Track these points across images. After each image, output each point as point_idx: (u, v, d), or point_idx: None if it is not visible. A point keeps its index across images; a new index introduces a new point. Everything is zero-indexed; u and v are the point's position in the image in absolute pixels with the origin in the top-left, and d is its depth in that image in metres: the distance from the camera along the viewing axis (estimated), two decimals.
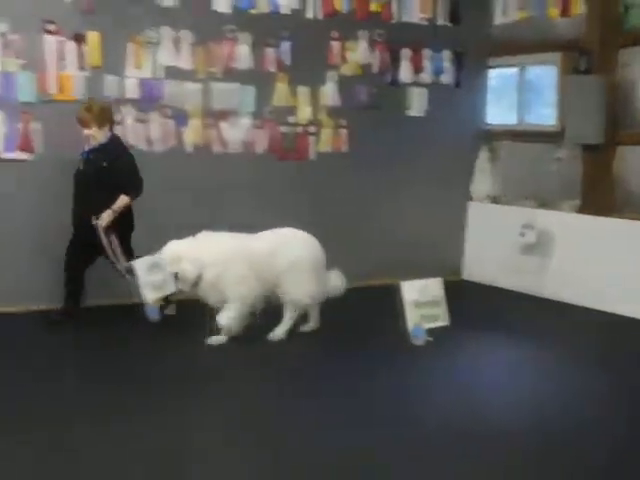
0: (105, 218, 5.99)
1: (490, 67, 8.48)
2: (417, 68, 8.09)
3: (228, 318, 5.77)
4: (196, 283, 5.77)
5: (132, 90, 6.96)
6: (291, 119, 7.61)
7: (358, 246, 7.82)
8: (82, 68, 6.78)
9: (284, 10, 7.44)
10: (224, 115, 7.34)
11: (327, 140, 7.79)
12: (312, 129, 7.71)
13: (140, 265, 5.80)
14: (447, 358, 5.72)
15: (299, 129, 7.66)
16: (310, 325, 6.18)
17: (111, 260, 6.12)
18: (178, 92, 7.12)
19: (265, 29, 7.36)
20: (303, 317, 6.16)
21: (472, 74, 8.36)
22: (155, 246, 5.89)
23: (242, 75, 7.36)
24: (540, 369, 5.58)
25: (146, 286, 5.78)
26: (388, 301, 6.07)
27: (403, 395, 4.93)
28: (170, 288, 5.79)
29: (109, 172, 6.00)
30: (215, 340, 5.77)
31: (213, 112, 7.29)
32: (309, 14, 7.54)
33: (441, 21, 8.15)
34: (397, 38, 7.91)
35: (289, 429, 4.31)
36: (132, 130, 6.98)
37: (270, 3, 7.39)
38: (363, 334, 6.24)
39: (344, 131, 7.84)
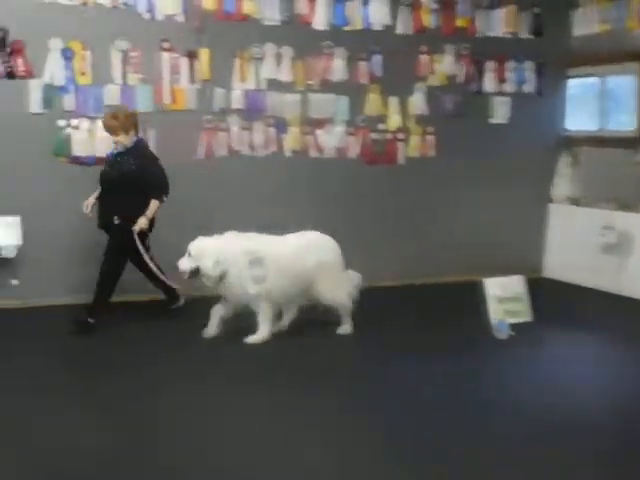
0: (140, 224, 6.10)
1: (570, 77, 8.78)
2: (501, 78, 8.49)
3: (263, 320, 5.93)
4: (220, 280, 5.86)
5: (238, 101, 7.56)
6: (381, 126, 8.11)
7: (443, 244, 8.28)
8: (193, 81, 7.42)
9: (376, 27, 7.96)
10: (320, 123, 7.90)
11: (415, 146, 8.27)
12: (401, 136, 8.20)
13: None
14: (529, 351, 5.88)
15: (389, 136, 8.16)
16: (346, 328, 6.27)
17: (146, 263, 6.24)
18: (279, 102, 7.70)
19: (358, 44, 7.88)
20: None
21: (553, 83, 8.68)
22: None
23: (337, 86, 7.90)
24: (618, 366, 5.64)
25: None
26: (472, 297, 6.28)
27: (487, 383, 5.16)
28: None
29: (136, 174, 6.12)
30: (251, 339, 5.91)
31: (310, 120, 7.85)
32: (399, 30, 8.04)
33: (524, 34, 8.53)
34: (482, 51, 8.33)
35: (389, 421, 4.48)
36: (237, 137, 7.61)
37: (363, 20, 7.92)
38: (448, 328, 6.45)
39: (431, 137, 8.30)
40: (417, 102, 8.20)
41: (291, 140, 7.82)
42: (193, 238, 6.01)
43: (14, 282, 6.88)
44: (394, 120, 8.15)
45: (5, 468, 3.75)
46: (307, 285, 6.06)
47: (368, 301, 6.29)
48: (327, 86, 7.88)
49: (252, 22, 7.57)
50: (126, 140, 6.21)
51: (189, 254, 5.85)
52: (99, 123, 7.02)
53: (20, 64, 6.83)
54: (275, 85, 7.71)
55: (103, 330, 6.11)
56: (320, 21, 7.79)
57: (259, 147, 7.71)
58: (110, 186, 6.20)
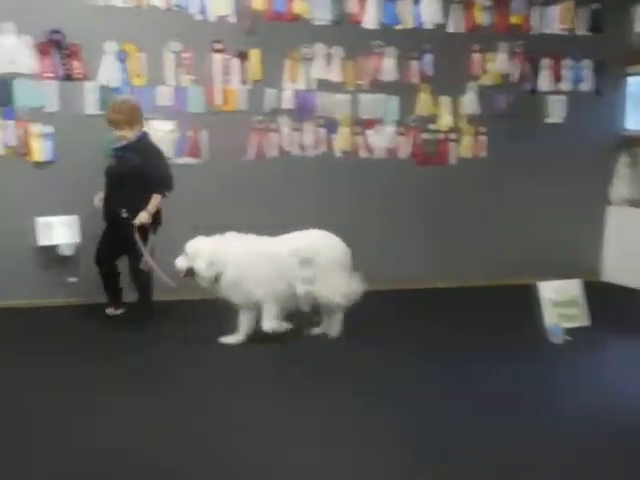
0: (142, 219, 6.07)
1: (630, 75, 8.54)
2: (557, 77, 8.32)
3: (269, 321, 5.82)
4: (215, 281, 5.77)
5: (288, 101, 7.61)
6: (432, 126, 8.05)
7: (496, 246, 8.18)
8: (244, 82, 7.49)
9: (427, 25, 7.90)
10: (370, 123, 7.88)
11: (467, 146, 8.18)
12: (453, 136, 8.12)
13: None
14: (585, 356, 5.76)
15: (440, 136, 8.09)
16: (318, 329, 6.15)
17: (144, 259, 6.17)
18: (329, 103, 7.71)
19: (409, 43, 7.83)
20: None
21: (612, 82, 8.46)
22: None
23: (387, 86, 7.87)
24: None
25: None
26: (527, 300, 6.18)
27: (542, 388, 5.06)
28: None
29: (141, 169, 6.08)
30: (227, 340, 5.81)
31: (360, 120, 7.84)
32: (451, 28, 7.97)
33: (581, 31, 8.34)
34: (537, 48, 8.18)
35: (450, 424, 4.44)
36: (288, 137, 7.65)
37: (414, 19, 7.88)
38: (502, 331, 6.35)
39: (483, 138, 8.20)
40: (469, 102, 8.10)
41: (341, 140, 7.82)
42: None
43: (72, 280, 7.05)
44: (445, 120, 8.07)
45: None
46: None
47: (418, 302, 6.24)
48: (377, 86, 7.85)
49: (302, 22, 7.60)
50: (130, 134, 6.16)
51: (185, 253, 5.80)
52: (153, 124, 7.21)
53: (76, 66, 7.00)
54: (325, 85, 7.72)
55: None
56: (370, 20, 7.77)
57: (309, 147, 7.74)
58: (115, 180, 6.18)
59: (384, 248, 7.86)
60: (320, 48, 7.66)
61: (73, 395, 4.74)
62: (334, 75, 7.73)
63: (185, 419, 4.40)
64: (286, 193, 7.66)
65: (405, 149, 8.02)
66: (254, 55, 7.48)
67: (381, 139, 7.94)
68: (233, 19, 7.40)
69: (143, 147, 6.17)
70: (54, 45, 6.91)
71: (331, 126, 7.78)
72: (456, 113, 8.09)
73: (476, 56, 8.08)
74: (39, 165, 6.92)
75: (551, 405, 4.74)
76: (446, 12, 7.94)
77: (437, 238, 8.11)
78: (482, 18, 8.05)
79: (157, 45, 7.20)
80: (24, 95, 6.85)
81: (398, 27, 7.86)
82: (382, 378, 5.17)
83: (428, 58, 7.94)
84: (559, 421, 4.48)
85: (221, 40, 7.37)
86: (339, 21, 7.67)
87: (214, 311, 5.94)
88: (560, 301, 6.16)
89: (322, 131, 7.75)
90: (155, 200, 6.12)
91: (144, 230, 6.13)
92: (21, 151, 6.88)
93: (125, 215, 6.08)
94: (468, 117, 8.14)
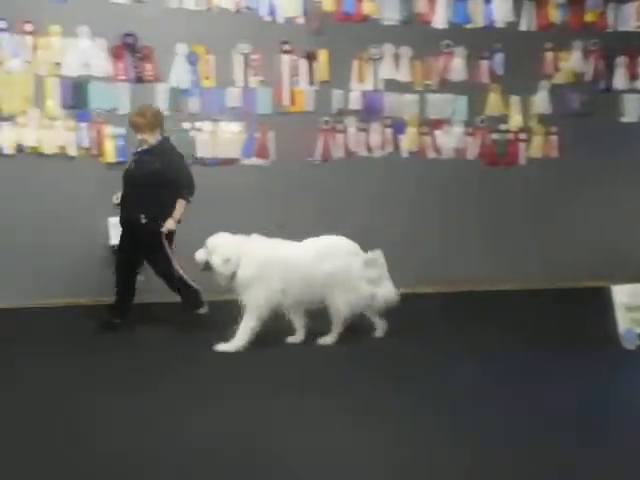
0: (169, 226, 5.96)
1: None
2: (633, 75, 8.08)
3: (245, 328, 5.64)
4: (231, 280, 5.70)
5: (355, 102, 7.61)
6: (502, 127, 7.94)
7: (567, 249, 8.02)
8: (312, 83, 7.53)
9: (499, 24, 7.79)
10: (438, 123, 7.82)
11: (538, 146, 8.03)
12: (523, 136, 7.99)
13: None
14: None
15: (510, 136, 7.97)
16: (378, 332, 6.03)
17: (173, 267, 6.04)
18: (396, 103, 7.68)
19: (479, 42, 7.74)
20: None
21: None
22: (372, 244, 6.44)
23: (456, 86, 7.80)
24: None
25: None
26: (599, 304, 6.02)
27: (613, 391, 4.94)
28: (385, 284, 6.24)
29: (161, 173, 5.93)
30: (222, 347, 5.60)
31: (428, 121, 7.79)
32: (523, 27, 7.82)
33: None
34: (612, 46, 7.96)
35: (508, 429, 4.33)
36: (354, 138, 7.66)
37: (485, 17, 7.77)
38: (573, 335, 6.21)
39: (554, 137, 8.03)
40: (540, 101, 7.95)
41: (408, 141, 7.78)
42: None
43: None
44: (516, 120, 7.94)
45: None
46: (321, 291, 5.80)
47: (487, 305, 6.15)
48: (446, 86, 7.79)
49: (371, 22, 7.59)
50: (151, 138, 6.06)
51: (205, 247, 5.75)
52: (222, 125, 7.32)
53: (148, 69, 7.16)
54: (393, 85, 7.69)
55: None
56: (440, 20, 7.69)
57: (375, 148, 7.72)
58: (134, 185, 6.03)
59: (449, 249, 7.82)
60: (388, 48, 7.64)
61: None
62: (402, 75, 7.70)
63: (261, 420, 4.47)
64: (350, 193, 7.68)
65: (473, 150, 7.93)
66: (322, 56, 7.50)
67: (449, 139, 7.87)
68: (302, 20, 7.42)
69: (164, 151, 6.07)
70: (127, 48, 7.07)
71: (398, 126, 7.75)
72: (526, 113, 7.96)
73: (549, 54, 7.92)
74: (111, 166, 7.10)
75: (622, 412, 4.60)
76: (518, 10, 7.81)
77: (504, 240, 7.99)
78: (556, 16, 7.89)
79: (226, 47, 7.29)
80: (98, 97, 7.04)
81: (468, 26, 7.76)
82: (434, 378, 5.11)
83: (499, 57, 7.82)
84: (630, 428, 4.35)
85: (289, 41, 7.42)
86: (408, 21, 7.63)
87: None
88: (634, 305, 5.97)
89: (389, 131, 7.73)
90: (181, 206, 6.01)
91: (169, 236, 6.06)
92: (94, 152, 7.07)
93: (144, 221, 5.96)
94: (539, 117, 7.99)
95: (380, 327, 6.06)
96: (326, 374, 5.25)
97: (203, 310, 6.21)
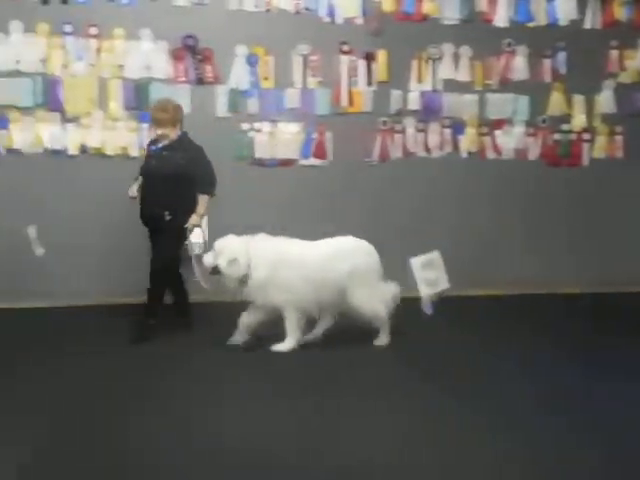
0: (193, 222, 5.91)
1: None
2: None
3: (290, 329, 5.66)
4: (239, 282, 5.62)
5: (414, 102, 7.57)
6: (565, 127, 7.78)
7: (631, 253, 7.84)
8: (370, 84, 7.51)
9: (562, 22, 7.63)
10: (498, 124, 7.72)
11: (602, 147, 7.85)
12: (586, 136, 7.82)
13: (415, 262, 6.29)
14: None
15: (573, 136, 7.81)
16: (382, 339, 5.91)
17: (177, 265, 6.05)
18: (456, 103, 7.61)
19: (542, 40, 7.60)
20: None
21: None
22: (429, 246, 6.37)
23: (517, 85, 7.68)
24: None
25: (421, 282, 6.27)
26: None
27: None
28: (443, 285, 6.21)
29: (184, 169, 5.87)
30: (278, 347, 5.65)
31: (488, 121, 7.70)
32: (587, 25, 7.65)
33: None
34: None
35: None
36: (413, 138, 7.61)
37: (548, 15, 7.62)
38: (632, 340, 6.07)
39: (619, 137, 7.84)
40: (605, 100, 7.78)
41: (467, 141, 7.69)
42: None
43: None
44: (579, 120, 7.78)
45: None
46: (339, 293, 5.73)
47: (544, 309, 6.05)
48: (506, 85, 7.68)
49: (431, 22, 7.53)
50: (172, 134, 6.00)
51: (213, 250, 5.71)
52: (280, 126, 7.35)
53: (208, 70, 7.24)
54: (452, 85, 7.62)
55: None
56: (502, 18, 7.58)
57: (434, 148, 7.66)
58: (156, 181, 5.90)
59: (506, 251, 7.72)
60: (448, 48, 7.56)
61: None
62: (462, 75, 7.62)
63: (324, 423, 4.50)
64: (408, 194, 7.64)
65: (534, 150, 7.79)
66: (381, 56, 7.47)
67: (510, 140, 7.75)
68: (361, 21, 7.41)
69: (186, 147, 6.00)
70: (188, 50, 7.16)
71: (457, 127, 7.67)
72: (590, 112, 7.78)
73: (613, 53, 7.73)
74: None
75: None
76: (582, 8, 7.65)
77: (566, 243, 7.84)
78: (621, 13, 7.69)
79: (286, 48, 7.32)
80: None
81: (531, 24, 7.63)
82: (482, 380, 5.07)
83: (562, 56, 7.67)
84: None
85: (348, 42, 7.40)
86: (468, 20, 7.53)
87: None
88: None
89: (448, 132, 7.66)
90: (203, 201, 5.96)
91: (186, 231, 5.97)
92: None
93: (168, 217, 5.88)
94: (603, 116, 7.82)
95: (384, 335, 5.92)
96: (380, 375, 5.24)
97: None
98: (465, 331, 6.26)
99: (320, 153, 7.49)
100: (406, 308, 6.09)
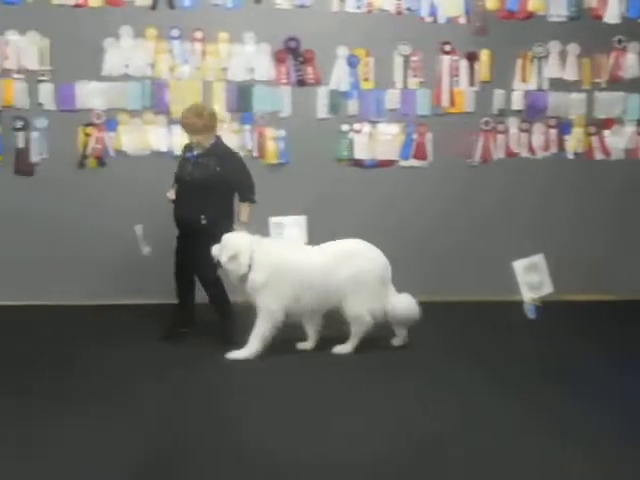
0: (239, 230, 5.78)
1: None
2: None
3: (257, 334, 5.55)
4: (242, 281, 5.58)
5: (517, 102, 7.39)
6: None
7: None
8: (472, 83, 7.39)
9: None
10: (607, 123, 7.45)
11: None
12: None
13: (518, 265, 6.15)
14: None
15: None
16: (398, 340, 5.83)
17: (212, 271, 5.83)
18: (562, 102, 7.39)
19: None
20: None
21: None
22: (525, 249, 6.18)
23: (628, 84, 7.40)
24: None
25: (524, 286, 6.12)
26: None
27: None
28: (547, 289, 6.05)
29: (222, 177, 5.74)
30: (234, 355, 5.53)
31: (596, 120, 7.45)
32: None
33: None
34: None
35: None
36: (516, 138, 7.44)
37: None
38: None
39: None
40: None
41: (574, 141, 7.46)
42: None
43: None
44: None
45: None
46: (338, 298, 5.64)
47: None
48: (616, 84, 7.40)
49: (536, 19, 7.34)
50: (207, 141, 5.83)
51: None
52: (380, 127, 7.33)
53: (310, 72, 7.28)
54: (558, 84, 7.40)
55: None
56: (612, 14, 7.31)
57: (538, 149, 7.46)
58: (192, 188, 5.76)
59: (619, 255, 7.48)
60: (554, 46, 7.35)
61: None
62: (568, 73, 7.39)
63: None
64: (511, 195, 7.48)
65: None
66: (484, 55, 7.34)
67: (619, 140, 7.47)
68: (463, 20, 7.30)
69: (221, 153, 5.87)
70: (290, 52, 7.23)
71: (564, 127, 7.44)
72: None
73: None
74: (272, 167, 7.29)
75: None
76: None
77: None
78: None
79: (387, 49, 7.28)
80: (261, 101, 7.25)
81: None
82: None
83: None
84: None
85: (450, 41, 7.31)
86: (576, 17, 7.30)
87: None
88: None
89: (553, 132, 7.44)
90: (246, 209, 5.86)
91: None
92: (256, 154, 7.28)
93: (204, 222, 5.73)
94: None
95: (401, 336, 5.84)
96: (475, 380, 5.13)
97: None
98: (570, 336, 6.11)
99: (420, 154, 7.41)
100: (509, 312, 5.98)
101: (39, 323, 6.44)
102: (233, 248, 5.53)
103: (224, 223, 5.74)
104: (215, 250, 5.61)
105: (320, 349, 5.77)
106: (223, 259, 5.55)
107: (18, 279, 7.01)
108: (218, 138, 5.99)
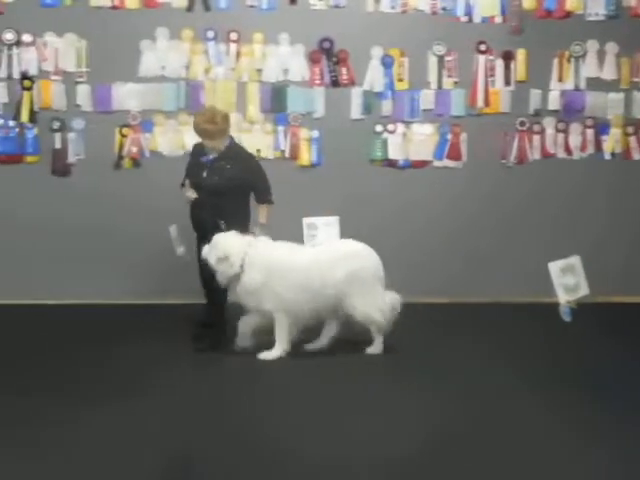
0: (260, 234, 5.73)
1: None
2: None
3: (279, 335, 5.54)
4: (233, 282, 5.54)
5: (554, 102, 7.31)
6: None
7: None
8: (508, 83, 7.32)
9: None
10: None
11: None
12: None
13: (554, 267, 6.08)
14: None
15: None
16: (376, 347, 5.70)
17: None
18: (600, 102, 7.30)
19: None
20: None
21: None
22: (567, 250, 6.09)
23: None
24: None
25: (559, 288, 6.05)
26: None
27: None
28: (583, 291, 5.97)
29: (238, 180, 5.69)
30: (265, 355, 5.53)
31: (634, 121, 7.35)
32: None
33: None
34: None
35: None
36: (552, 139, 7.35)
37: None
38: None
39: None
40: None
41: (612, 142, 7.35)
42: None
43: None
44: None
45: None
46: (336, 299, 5.56)
47: None
48: None
49: (574, 18, 7.25)
50: (221, 144, 5.77)
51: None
52: (414, 127, 7.29)
53: (344, 72, 7.28)
54: (596, 84, 7.30)
55: None
56: None
57: (575, 149, 7.36)
58: (210, 193, 5.69)
59: None
60: (592, 45, 7.25)
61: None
62: (607, 73, 7.29)
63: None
64: (546, 196, 7.40)
65: None
66: (520, 55, 7.27)
67: None
68: (499, 19, 7.23)
69: (236, 156, 5.81)
70: (324, 53, 7.23)
71: (601, 127, 7.34)
72: None
73: None
74: (305, 168, 7.30)
75: None
76: None
77: None
78: None
79: (421, 49, 7.25)
80: (295, 102, 7.26)
81: None
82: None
83: None
84: None
85: (486, 41, 7.24)
86: (615, 15, 7.20)
87: None
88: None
89: (590, 132, 7.34)
90: (264, 211, 5.83)
91: None
92: (290, 155, 7.29)
93: (223, 226, 5.68)
94: None
95: (378, 343, 5.72)
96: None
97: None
98: (604, 339, 6.03)
99: (454, 154, 7.36)
100: (543, 314, 5.92)
101: (78, 322, 6.53)
102: (222, 249, 5.48)
103: (242, 226, 5.70)
104: (204, 251, 5.58)
105: (341, 351, 5.74)
106: (212, 260, 5.50)
107: (54, 278, 7.10)
108: (232, 140, 5.94)
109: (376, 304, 5.63)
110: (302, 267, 5.58)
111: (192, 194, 5.81)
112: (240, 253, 5.48)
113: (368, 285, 5.63)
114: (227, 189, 5.66)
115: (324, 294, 5.56)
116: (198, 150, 5.92)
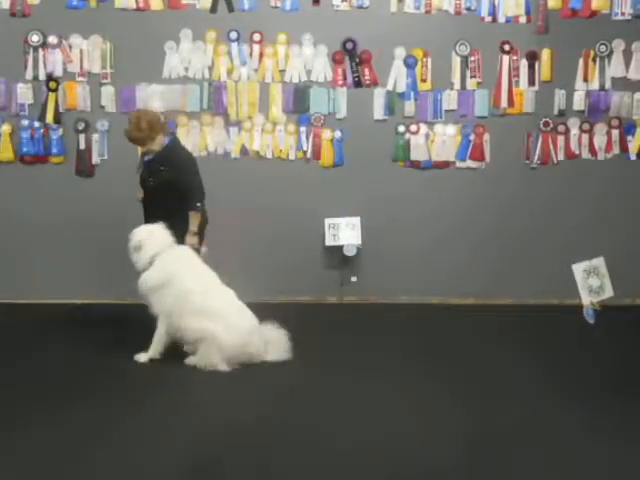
0: (190, 243, 5.60)
1: None
2: None
3: (157, 336, 5.39)
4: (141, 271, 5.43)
5: (579, 102, 7.24)
6: None
7: None
8: (532, 83, 7.27)
9: None
10: None
11: None
12: None
13: (578, 268, 6.02)
14: None
15: None
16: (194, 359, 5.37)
17: None
18: (626, 102, 7.22)
19: None
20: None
21: None
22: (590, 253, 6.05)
23: None
24: None
25: (583, 289, 5.99)
26: None
27: None
28: (607, 293, 5.90)
29: (169, 182, 5.60)
30: (140, 357, 5.40)
31: None
32: None
33: None
34: None
35: None
36: (576, 140, 7.28)
37: None
38: None
39: None
40: None
41: (638, 142, 7.27)
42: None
43: (353, 279, 7.35)
44: None
45: None
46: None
47: None
48: None
49: (600, 18, 7.18)
50: (156, 146, 5.73)
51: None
52: (437, 128, 7.26)
53: (366, 73, 7.26)
54: (622, 84, 7.22)
55: None
56: None
57: (600, 150, 7.28)
58: (150, 194, 5.73)
59: None
60: (618, 44, 7.17)
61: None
62: (633, 73, 7.21)
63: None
64: (571, 197, 7.34)
65: None
66: (545, 55, 7.21)
67: None
68: (524, 19, 7.18)
69: (171, 158, 5.70)
70: (347, 53, 7.22)
71: (627, 127, 7.26)
72: None
73: None
74: (328, 169, 7.29)
75: None
76: None
77: None
78: None
79: (445, 49, 7.22)
80: (318, 102, 7.26)
81: None
82: None
83: None
84: None
85: (510, 41, 7.19)
86: None
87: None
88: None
89: (615, 133, 7.27)
90: (195, 218, 5.65)
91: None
92: (312, 155, 7.29)
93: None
94: None
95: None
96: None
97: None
98: (629, 341, 5.96)
99: (477, 155, 7.31)
100: (567, 316, 5.85)
101: (103, 321, 6.60)
102: (138, 239, 5.43)
103: (180, 228, 5.55)
104: (133, 234, 5.51)
105: (368, 350, 5.73)
106: (130, 245, 5.46)
107: (79, 277, 7.18)
108: (171, 140, 5.88)
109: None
110: (188, 292, 5.34)
111: (140, 193, 5.86)
112: (155, 248, 5.39)
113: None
114: (162, 190, 5.62)
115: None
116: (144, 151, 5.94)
